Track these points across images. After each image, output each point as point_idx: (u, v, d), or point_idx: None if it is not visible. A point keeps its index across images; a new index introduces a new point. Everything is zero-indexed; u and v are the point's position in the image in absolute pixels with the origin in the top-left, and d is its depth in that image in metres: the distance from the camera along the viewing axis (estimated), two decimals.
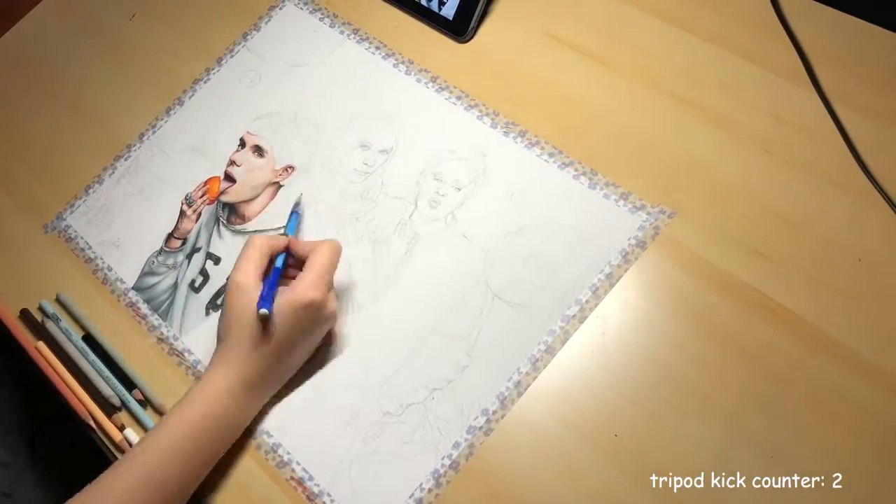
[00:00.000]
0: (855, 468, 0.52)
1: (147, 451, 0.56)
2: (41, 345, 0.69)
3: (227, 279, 0.61)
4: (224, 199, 0.74)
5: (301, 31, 0.81)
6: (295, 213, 0.69)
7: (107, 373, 0.67)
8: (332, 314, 0.61)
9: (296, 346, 0.60)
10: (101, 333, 0.69)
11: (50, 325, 0.70)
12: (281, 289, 0.59)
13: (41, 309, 0.72)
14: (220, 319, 0.61)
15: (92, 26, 0.89)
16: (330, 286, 0.61)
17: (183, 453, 0.56)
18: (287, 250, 0.63)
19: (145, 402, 0.66)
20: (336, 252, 0.61)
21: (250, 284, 0.59)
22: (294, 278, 0.61)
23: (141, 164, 0.78)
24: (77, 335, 0.69)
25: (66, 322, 0.70)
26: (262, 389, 0.61)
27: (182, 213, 0.74)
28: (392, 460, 0.59)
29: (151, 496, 0.54)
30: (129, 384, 0.66)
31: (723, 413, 0.55)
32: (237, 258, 0.61)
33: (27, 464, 0.75)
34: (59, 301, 0.72)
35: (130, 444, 0.64)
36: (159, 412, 0.65)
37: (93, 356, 0.68)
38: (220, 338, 0.60)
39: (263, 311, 0.56)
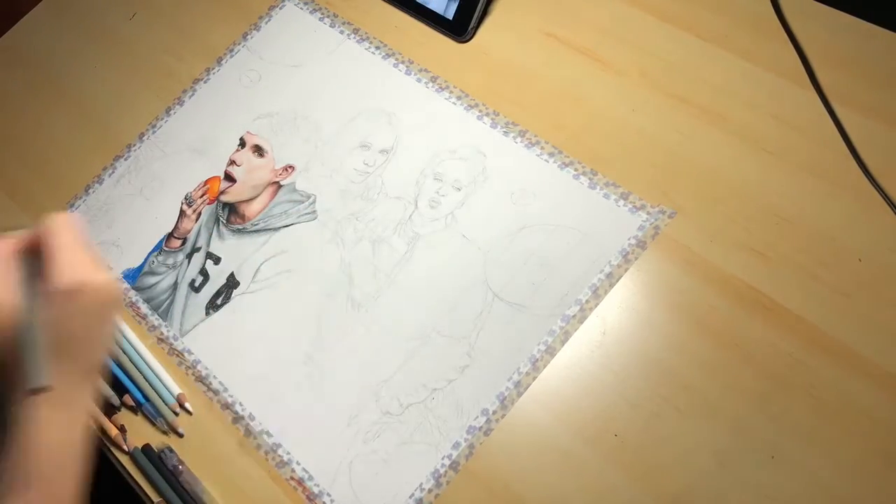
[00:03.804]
0: (855, 468, 0.52)
1: None
2: None
3: None
4: (224, 198, 0.74)
5: (301, 30, 0.81)
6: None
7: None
8: (108, 293, 0.46)
9: (84, 348, 0.46)
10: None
11: None
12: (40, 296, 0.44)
13: None
14: None
15: (92, 26, 0.89)
16: (86, 257, 0.46)
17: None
18: (23, 251, 0.47)
19: (136, 408, 0.66)
20: (68, 219, 0.46)
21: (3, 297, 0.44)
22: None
23: (141, 164, 0.78)
24: None
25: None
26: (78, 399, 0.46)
27: (182, 213, 0.74)
28: (392, 460, 0.59)
29: None
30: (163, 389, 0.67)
31: (723, 413, 0.55)
32: None
33: None
34: None
35: (125, 440, 0.64)
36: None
37: None
38: None
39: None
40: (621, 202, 0.64)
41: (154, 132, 0.80)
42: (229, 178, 0.75)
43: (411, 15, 0.78)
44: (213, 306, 0.69)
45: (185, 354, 0.68)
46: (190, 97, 0.81)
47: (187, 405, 0.65)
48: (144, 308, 0.71)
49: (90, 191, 0.78)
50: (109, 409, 0.66)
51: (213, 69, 0.82)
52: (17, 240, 0.46)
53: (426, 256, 0.66)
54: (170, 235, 0.74)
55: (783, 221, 0.60)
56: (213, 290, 0.70)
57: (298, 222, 0.71)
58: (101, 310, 0.46)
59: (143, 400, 0.66)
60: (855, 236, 0.58)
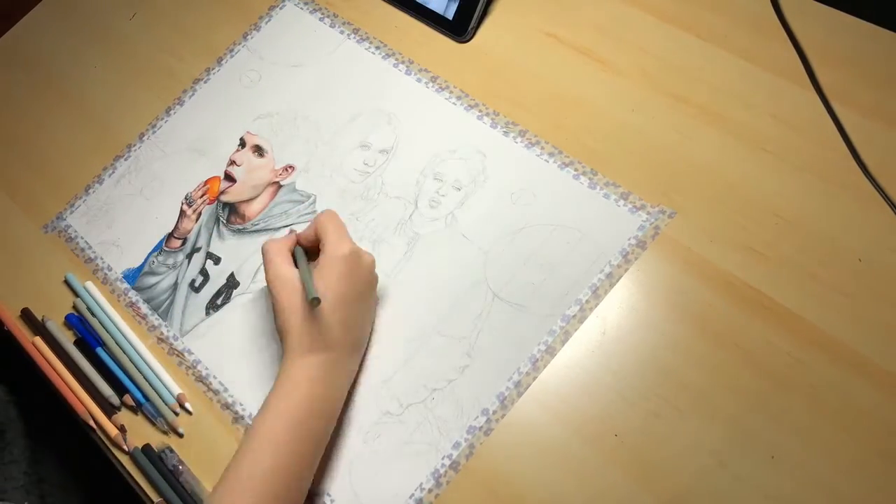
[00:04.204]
0: (855, 467, 0.52)
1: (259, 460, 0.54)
2: (38, 340, 0.69)
3: (267, 282, 0.61)
4: (224, 198, 0.74)
5: (301, 30, 0.81)
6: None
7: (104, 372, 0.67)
8: (370, 262, 0.62)
9: (354, 302, 0.60)
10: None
11: (50, 325, 0.70)
12: (312, 264, 0.60)
13: (67, 282, 0.73)
14: (276, 321, 0.60)
15: (92, 26, 0.89)
16: (350, 239, 0.61)
17: (291, 455, 0.55)
18: (299, 243, 0.64)
19: (136, 408, 0.66)
20: (334, 213, 0.62)
21: (289, 273, 0.59)
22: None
23: (141, 164, 0.78)
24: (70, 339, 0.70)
25: (95, 305, 0.71)
26: (343, 356, 0.59)
27: (182, 213, 0.75)
28: (392, 460, 0.59)
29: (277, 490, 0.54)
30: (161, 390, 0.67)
31: (723, 413, 0.55)
32: (264, 262, 0.62)
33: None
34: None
35: (126, 440, 0.64)
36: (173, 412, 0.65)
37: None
38: (283, 334, 0.59)
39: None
40: (621, 202, 0.64)
41: (154, 132, 0.80)
42: (229, 178, 0.75)
43: (411, 15, 0.78)
44: (213, 306, 0.69)
45: (186, 354, 0.68)
46: (190, 97, 0.81)
47: (187, 405, 0.65)
48: (144, 308, 0.71)
49: (90, 191, 0.78)
50: (109, 409, 0.66)
51: (213, 69, 0.82)
52: (289, 240, 0.63)
53: (426, 256, 0.66)
54: (170, 235, 0.74)
55: (783, 221, 0.60)
56: (214, 290, 0.70)
57: (299, 222, 0.71)
58: (368, 276, 0.61)
59: (143, 400, 0.66)
60: (855, 236, 0.58)
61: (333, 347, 0.58)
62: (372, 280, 0.62)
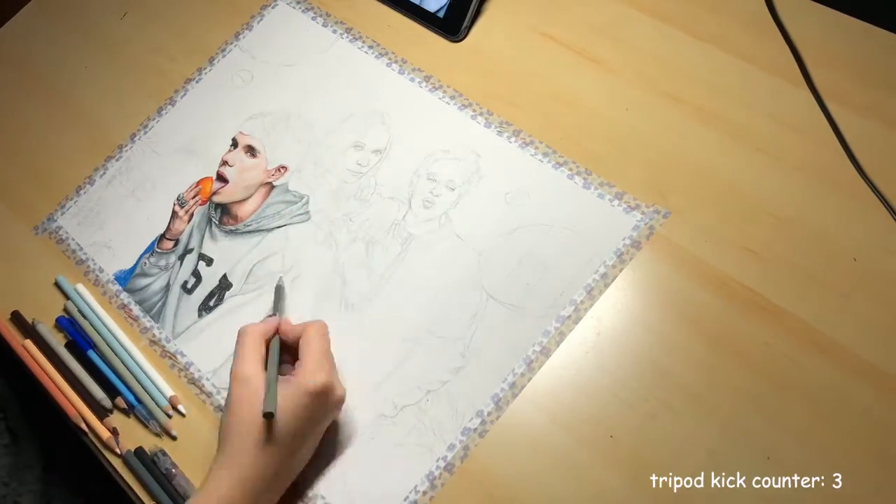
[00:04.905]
0: (851, 468, 0.52)
1: None
2: (28, 343, 0.69)
3: (230, 373, 0.57)
4: (216, 199, 0.74)
5: (294, 30, 0.81)
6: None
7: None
8: (340, 398, 0.58)
9: (305, 440, 0.56)
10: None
11: (41, 328, 0.70)
12: (283, 380, 0.56)
13: (57, 284, 0.72)
14: (223, 416, 0.56)
15: (83, 26, 0.89)
16: (332, 367, 0.58)
17: None
18: (277, 333, 0.60)
19: (129, 410, 0.65)
20: (323, 329, 0.59)
21: (254, 376, 0.55)
22: (289, 363, 0.59)
23: (132, 165, 0.78)
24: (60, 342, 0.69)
25: (86, 307, 0.70)
26: (266, 495, 0.55)
27: (174, 214, 0.74)
28: (386, 462, 0.59)
29: None
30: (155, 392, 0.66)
31: (718, 413, 0.55)
32: (235, 349, 0.58)
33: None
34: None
35: (118, 443, 0.63)
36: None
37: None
38: (222, 437, 0.55)
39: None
40: (616, 202, 0.64)
41: (146, 133, 0.79)
42: (221, 178, 0.75)
43: (404, 14, 0.78)
44: (205, 308, 0.69)
45: (178, 356, 0.67)
46: (182, 97, 0.80)
47: (180, 407, 0.65)
48: (136, 310, 0.70)
49: (81, 192, 0.78)
50: (101, 412, 0.65)
51: (205, 69, 0.81)
52: (269, 327, 0.60)
53: (420, 257, 0.66)
54: (162, 237, 0.73)
55: (778, 221, 0.60)
56: (206, 292, 0.69)
57: (291, 223, 0.70)
58: (333, 412, 0.58)
59: (135, 402, 0.65)
60: (850, 235, 0.58)
61: (266, 480, 0.54)
62: (329, 421, 0.58)
